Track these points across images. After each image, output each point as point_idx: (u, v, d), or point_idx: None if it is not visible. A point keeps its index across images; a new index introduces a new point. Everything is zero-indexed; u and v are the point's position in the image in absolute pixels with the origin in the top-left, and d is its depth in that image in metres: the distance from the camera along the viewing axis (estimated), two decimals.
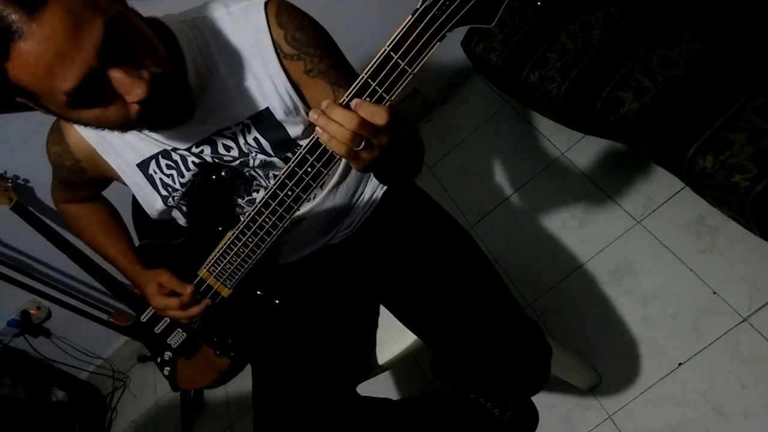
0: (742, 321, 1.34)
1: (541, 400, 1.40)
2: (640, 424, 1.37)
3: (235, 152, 0.97)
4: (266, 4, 0.88)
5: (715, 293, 1.41)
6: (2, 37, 0.64)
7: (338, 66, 0.93)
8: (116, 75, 0.72)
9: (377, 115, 0.69)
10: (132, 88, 0.72)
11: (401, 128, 0.75)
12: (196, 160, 0.98)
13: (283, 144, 0.96)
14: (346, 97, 0.71)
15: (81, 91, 0.70)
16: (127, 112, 0.77)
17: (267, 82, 0.90)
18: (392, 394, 1.82)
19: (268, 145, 0.96)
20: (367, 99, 0.70)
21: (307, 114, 0.95)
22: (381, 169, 0.78)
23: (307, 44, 0.89)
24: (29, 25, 0.64)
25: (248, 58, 0.89)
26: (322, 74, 0.91)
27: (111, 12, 0.70)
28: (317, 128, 0.71)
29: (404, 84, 0.69)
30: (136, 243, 1.23)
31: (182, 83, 0.85)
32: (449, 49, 2.09)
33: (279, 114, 0.93)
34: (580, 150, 1.88)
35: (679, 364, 1.38)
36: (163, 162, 0.99)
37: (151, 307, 1.22)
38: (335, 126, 0.69)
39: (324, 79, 0.91)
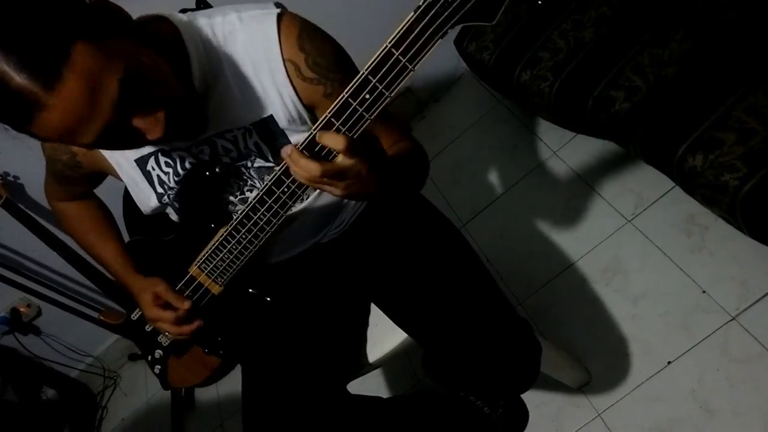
0: (731, 320, 1.35)
1: (531, 398, 1.40)
2: (629, 422, 1.38)
3: (233, 154, 0.97)
4: (280, 18, 0.88)
5: (704, 292, 1.42)
6: (24, 111, 0.66)
7: None
8: (135, 121, 0.74)
9: (338, 144, 0.72)
10: (150, 131, 0.76)
11: (373, 167, 0.77)
12: (193, 160, 0.97)
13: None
14: (346, 93, 0.71)
15: (100, 140, 0.73)
16: (144, 140, 0.79)
17: (273, 91, 0.90)
18: (383, 392, 1.82)
19: (268, 151, 0.96)
20: (367, 95, 0.71)
21: (311, 122, 0.95)
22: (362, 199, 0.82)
23: (328, 69, 0.89)
24: (49, 99, 0.65)
25: (255, 66, 0.89)
26: None
27: (123, 63, 0.70)
28: (291, 168, 0.77)
29: (404, 80, 0.69)
30: (127, 239, 1.22)
31: (196, 102, 0.86)
32: (442, 48, 2.07)
33: (282, 122, 0.93)
34: (572, 149, 1.88)
35: (668, 362, 1.39)
36: (162, 159, 0.99)
37: None
38: (298, 170, 0.76)
39: None
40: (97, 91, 0.68)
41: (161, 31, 0.85)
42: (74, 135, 0.71)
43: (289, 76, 0.89)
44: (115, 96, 0.69)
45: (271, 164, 0.98)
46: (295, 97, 0.91)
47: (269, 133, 0.94)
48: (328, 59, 0.90)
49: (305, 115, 0.93)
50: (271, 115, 0.92)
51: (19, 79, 0.63)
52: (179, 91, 0.80)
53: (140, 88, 0.73)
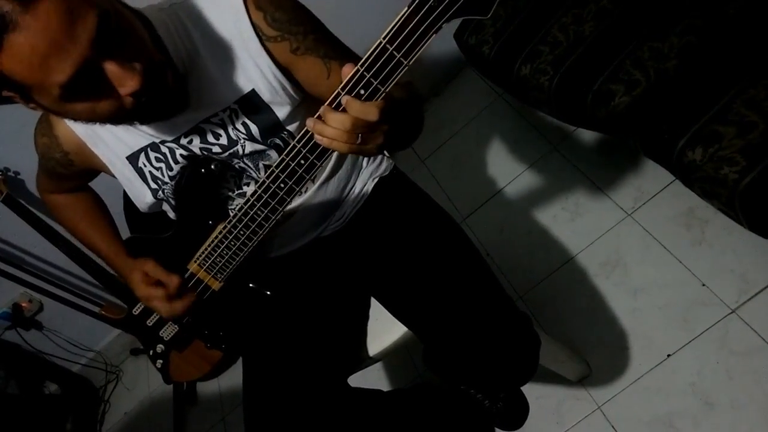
0: (731, 313, 1.35)
1: (531, 391, 1.41)
2: (628, 414, 1.39)
3: (224, 140, 0.96)
4: None
5: (704, 285, 1.42)
6: None
7: (324, 39, 0.93)
8: (110, 67, 0.72)
9: (369, 113, 0.70)
10: (125, 80, 0.73)
11: (400, 110, 0.76)
12: (184, 153, 0.97)
13: (271, 128, 0.96)
14: (341, 90, 0.71)
15: (75, 83, 0.70)
16: (121, 105, 0.77)
17: (250, 64, 0.90)
18: (384, 385, 1.83)
19: (257, 130, 0.96)
20: (362, 91, 0.70)
21: (295, 93, 0.95)
22: (389, 148, 0.79)
23: (289, 23, 0.89)
24: (23, 17, 0.64)
25: (229, 41, 0.89)
26: (310, 50, 0.90)
27: (103, 4, 0.70)
28: (316, 135, 0.74)
29: (399, 76, 0.69)
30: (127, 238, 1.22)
31: (177, 74, 0.85)
32: (442, 42, 2.07)
33: (265, 95, 0.92)
34: (572, 143, 1.88)
35: (668, 355, 1.40)
36: (152, 155, 0.99)
37: None
38: (331, 130, 0.71)
39: (313, 54, 0.91)
40: (75, 19, 0.66)
41: None
42: (47, 68, 0.68)
43: (261, 42, 0.88)
44: (93, 29, 0.68)
45: (262, 147, 0.98)
46: (272, 65, 0.90)
47: (255, 110, 0.94)
48: (287, 13, 0.89)
49: (287, 84, 0.93)
50: (253, 90, 0.92)
51: None
52: (159, 57, 0.79)
53: (119, 32, 0.72)
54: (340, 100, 0.71)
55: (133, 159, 1.00)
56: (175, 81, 0.83)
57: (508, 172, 2.00)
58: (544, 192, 1.87)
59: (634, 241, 1.59)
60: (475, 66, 1.87)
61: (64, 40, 0.66)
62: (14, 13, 0.63)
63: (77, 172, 1.09)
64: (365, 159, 1.18)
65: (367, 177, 1.17)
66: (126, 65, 0.73)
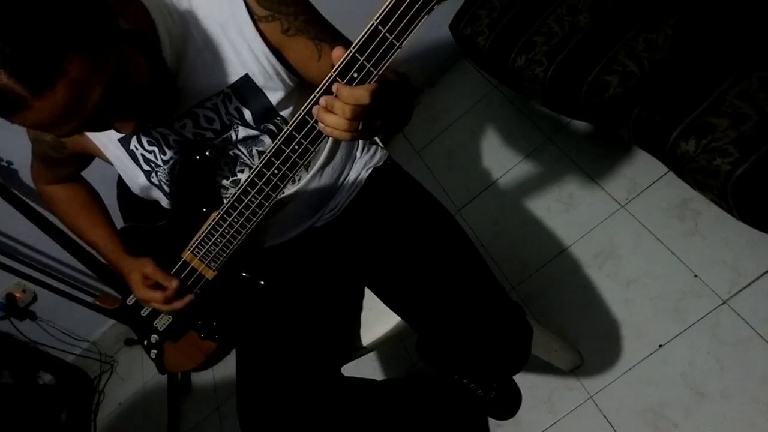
0: (722, 303, 1.36)
1: (524, 380, 1.42)
2: (620, 404, 1.40)
3: (217, 125, 0.96)
4: None
5: (696, 276, 1.43)
6: (7, 107, 0.67)
7: (315, 20, 0.92)
8: (108, 117, 0.77)
9: (360, 97, 0.70)
10: (122, 128, 0.79)
11: (394, 94, 0.76)
12: (177, 138, 0.97)
13: (264, 114, 0.96)
14: (334, 72, 0.71)
15: (73, 133, 0.76)
16: (115, 128, 0.81)
17: (244, 48, 0.89)
18: (378, 375, 1.84)
19: (250, 115, 0.95)
20: (355, 74, 0.70)
21: (289, 79, 0.94)
22: (384, 131, 0.80)
23: (279, 2, 0.88)
24: (33, 102, 0.66)
25: (223, 25, 0.88)
26: (300, 31, 0.90)
27: (111, 68, 0.71)
28: (319, 124, 0.74)
29: (392, 58, 0.69)
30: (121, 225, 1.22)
31: (167, 86, 0.87)
32: (438, 33, 2.09)
33: (259, 80, 0.92)
34: (567, 134, 1.89)
35: (660, 345, 1.41)
36: (144, 138, 0.98)
37: None
38: (333, 118, 0.71)
39: (304, 35, 0.90)
40: (83, 96, 0.69)
41: (130, 12, 0.84)
42: (49, 129, 0.73)
43: (255, 26, 0.88)
44: (97, 100, 0.71)
45: (255, 132, 0.98)
46: (266, 50, 0.90)
47: (248, 95, 0.93)
48: None
49: (280, 68, 0.93)
50: (247, 74, 0.91)
51: (10, 81, 0.64)
52: (153, 81, 0.81)
53: (119, 93, 0.74)
54: (331, 87, 0.71)
55: (124, 141, 1.00)
56: (165, 93, 0.87)
57: (502, 163, 2.01)
58: (539, 183, 1.87)
59: (627, 233, 1.60)
60: (470, 57, 1.87)
61: (68, 115, 0.70)
62: (25, 99, 0.66)
63: (69, 156, 1.08)
64: (359, 149, 1.18)
65: (361, 167, 1.17)
66: (123, 115, 0.78)
